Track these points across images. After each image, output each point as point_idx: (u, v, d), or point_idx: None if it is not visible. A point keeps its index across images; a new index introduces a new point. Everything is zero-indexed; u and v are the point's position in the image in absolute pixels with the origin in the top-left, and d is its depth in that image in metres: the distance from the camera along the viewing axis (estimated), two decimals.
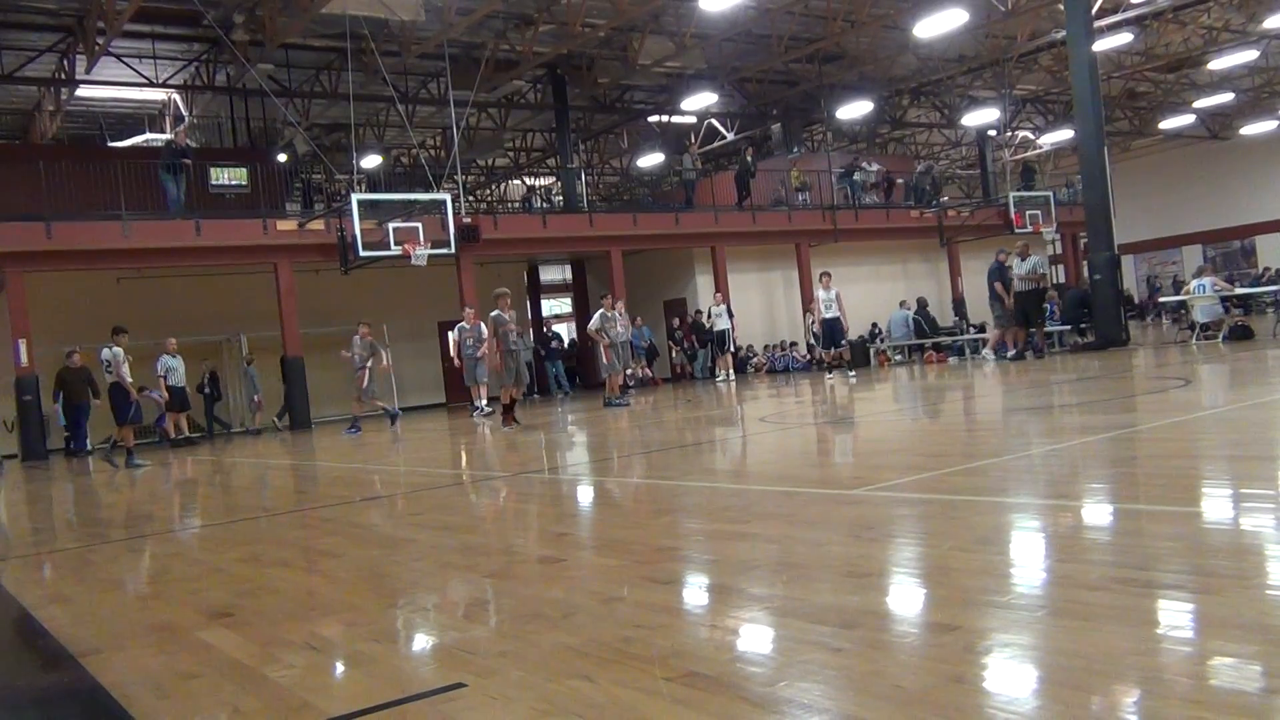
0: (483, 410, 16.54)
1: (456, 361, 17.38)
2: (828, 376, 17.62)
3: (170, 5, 18.42)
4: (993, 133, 31.19)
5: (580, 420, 13.91)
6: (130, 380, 13.06)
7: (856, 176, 26.75)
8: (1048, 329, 18.80)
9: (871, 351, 23.40)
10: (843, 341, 18.16)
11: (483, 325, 16.59)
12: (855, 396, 13.50)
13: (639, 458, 8.56)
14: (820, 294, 17.48)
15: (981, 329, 23.69)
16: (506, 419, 12.80)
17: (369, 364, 15.65)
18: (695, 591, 3.61)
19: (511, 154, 33.52)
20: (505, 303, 12.92)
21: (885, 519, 4.48)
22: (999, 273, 17.37)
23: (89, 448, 16.74)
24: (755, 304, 25.70)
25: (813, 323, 19.27)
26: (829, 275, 17.63)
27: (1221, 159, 35.64)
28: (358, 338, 15.78)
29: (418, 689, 2.63)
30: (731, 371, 21.06)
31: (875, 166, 28.08)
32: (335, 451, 12.89)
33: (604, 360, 16.18)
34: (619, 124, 31.13)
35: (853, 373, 17.41)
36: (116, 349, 12.94)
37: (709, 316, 21.98)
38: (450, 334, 17.50)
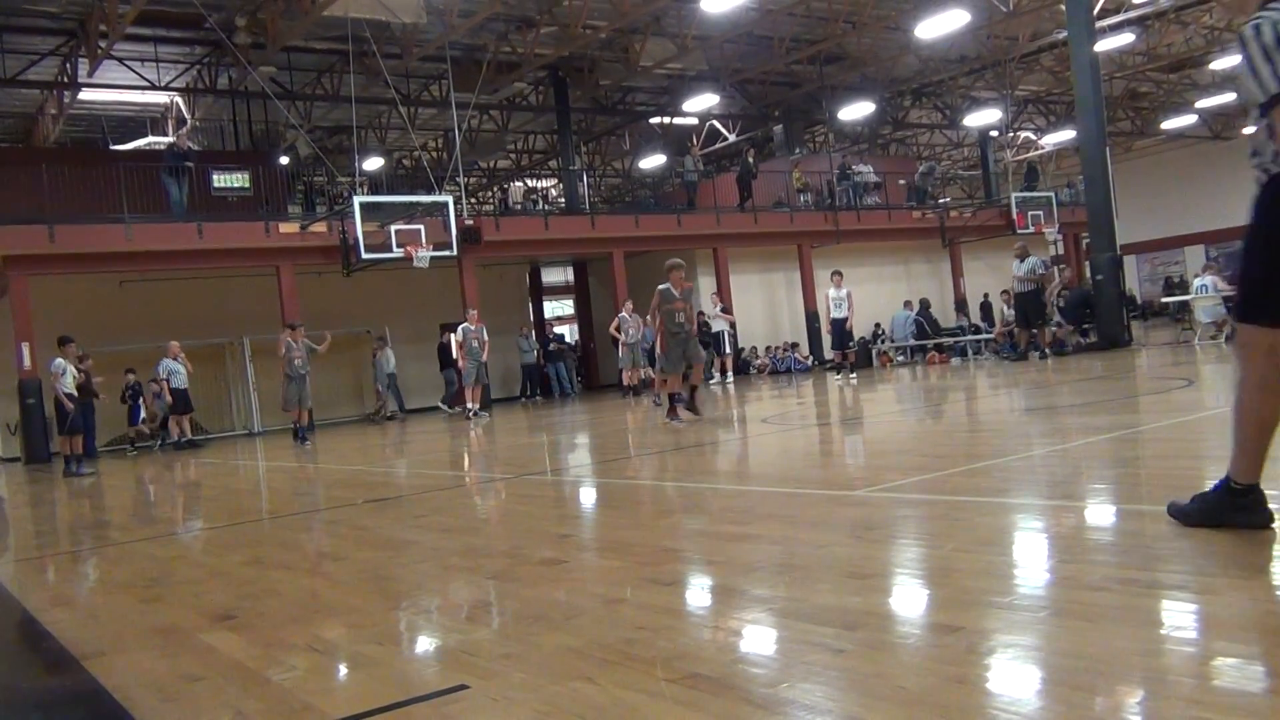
0: (474, 412, 16.39)
1: (461, 362, 17.10)
2: (835, 377, 17.50)
3: (172, 8, 18.46)
4: (995, 133, 31.17)
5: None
6: (69, 391, 12.99)
7: (855, 178, 26.75)
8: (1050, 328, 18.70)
9: (874, 352, 23.37)
10: (851, 343, 17.86)
11: (483, 328, 16.55)
12: (857, 398, 13.49)
13: (640, 459, 8.55)
14: (831, 293, 17.01)
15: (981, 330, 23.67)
16: (672, 410, 10.96)
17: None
18: (698, 593, 3.60)
19: (513, 156, 33.54)
20: (678, 276, 11.10)
21: (887, 520, 4.47)
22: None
23: (94, 451, 16.74)
24: (757, 305, 25.67)
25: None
26: (840, 274, 17.20)
27: (1224, 159, 35.49)
28: (292, 341, 15.06)
29: (420, 691, 2.63)
30: (730, 374, 20.86)
31: (867, 167, 28.06)
32: (333, 454, 12.90)
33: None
34: (620, 126, 31.14)
35: (853, 375, 17.29)
36: (58, 360, 12.91)
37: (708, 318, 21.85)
38: (453, 334, 17.26)
